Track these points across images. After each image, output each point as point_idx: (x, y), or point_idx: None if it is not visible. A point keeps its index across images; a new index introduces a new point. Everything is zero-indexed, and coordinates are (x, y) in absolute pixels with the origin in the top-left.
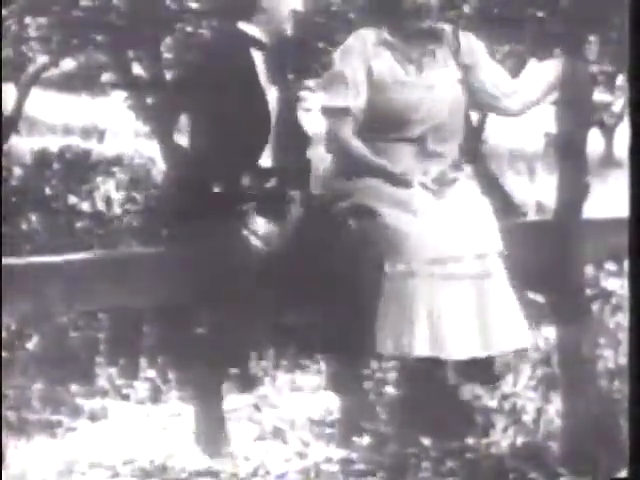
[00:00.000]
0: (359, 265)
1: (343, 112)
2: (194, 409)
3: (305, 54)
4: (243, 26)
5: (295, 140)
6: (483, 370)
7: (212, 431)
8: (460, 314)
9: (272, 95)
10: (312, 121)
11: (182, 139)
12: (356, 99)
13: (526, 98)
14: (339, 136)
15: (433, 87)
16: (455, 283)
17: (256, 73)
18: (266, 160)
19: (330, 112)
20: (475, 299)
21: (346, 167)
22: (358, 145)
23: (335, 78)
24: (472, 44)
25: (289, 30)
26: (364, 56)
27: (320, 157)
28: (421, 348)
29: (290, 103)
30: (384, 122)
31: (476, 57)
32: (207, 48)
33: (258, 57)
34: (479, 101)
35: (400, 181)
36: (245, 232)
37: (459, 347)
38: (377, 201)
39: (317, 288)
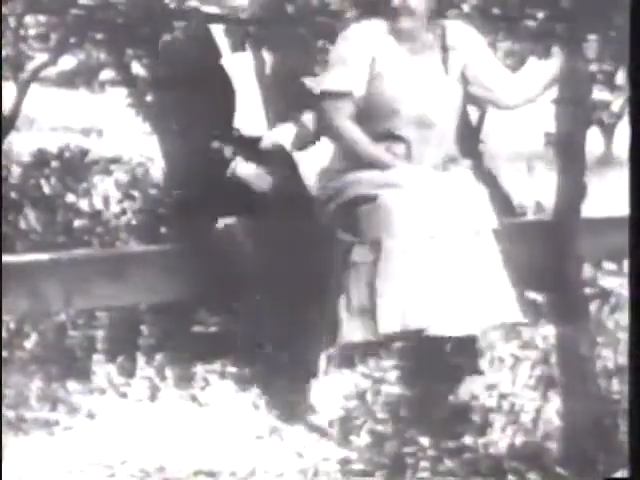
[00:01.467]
0: (352, 255)
1: (343, 97)
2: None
3: (304, 52)
4: (196, 3)
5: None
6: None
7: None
8: (454, 289)
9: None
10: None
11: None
12: (356, 85)
13: (522, 92)
14: (335, 121)
15: (429, 79)
16: (449, 258)
17: (216, 47)
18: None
19: (329, 96)
20: (468, 274)
21: (342, 157)
22: (354, 130)
23: (338, 61)
24: (467, 36)
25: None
26: (369, 45)
27: (319, 155)
28: (421, 322)
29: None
30: (379, 112)
31: (471, 49)
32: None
33: (218, 30)
34: (474, 94)
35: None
36: (242, 228)
37: (453, 323)
38: (370, 188)
39: (313, 286)
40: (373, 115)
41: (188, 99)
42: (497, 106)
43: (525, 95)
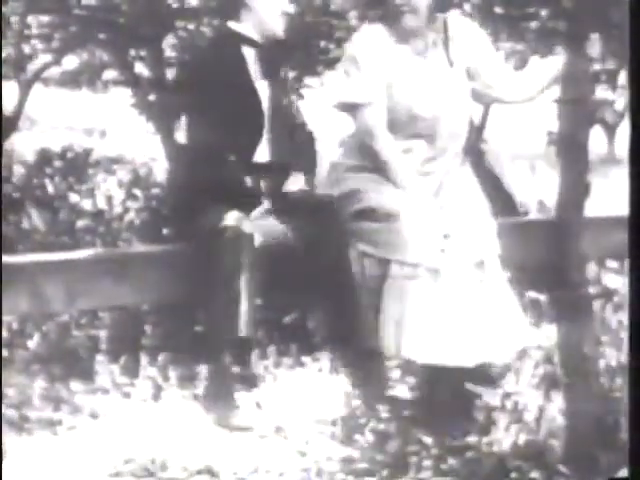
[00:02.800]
0: (362, 265)
1: (366, 107)
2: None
3: (306, 52)
4: (233, 25)
5: (295, 136)
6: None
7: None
8: (459, 319)
9: (265, 92)
10: (311, 119)
11: (182, 137)
12: (376, 95)
13: (523, 89)
14: (369, 126)
15: (438, 78)
16: (455, 288)
17: (247, 70)
18: (263, 156)
19: (348, 107)
20: (475, 305)
21: (353, 153)
22: (388, 137)
23: (353, 72)
24: (470, 31)
25: (279, 31)
26: (378, 52)
27: (323, 154)
28: (417, 352)
29: (285, 99)
30: (396, 121)
31: (473, 44)
32: (199, 47)
33: (250, 55)
34: (475, 89)
35: (399, 187)
36: (248, 230)
37: (456, 353)
38: (387, 203)
39: (319, 286)
40: (392, 124)
41: (211, 108)
42: (498, 101)
43: (526, 91)
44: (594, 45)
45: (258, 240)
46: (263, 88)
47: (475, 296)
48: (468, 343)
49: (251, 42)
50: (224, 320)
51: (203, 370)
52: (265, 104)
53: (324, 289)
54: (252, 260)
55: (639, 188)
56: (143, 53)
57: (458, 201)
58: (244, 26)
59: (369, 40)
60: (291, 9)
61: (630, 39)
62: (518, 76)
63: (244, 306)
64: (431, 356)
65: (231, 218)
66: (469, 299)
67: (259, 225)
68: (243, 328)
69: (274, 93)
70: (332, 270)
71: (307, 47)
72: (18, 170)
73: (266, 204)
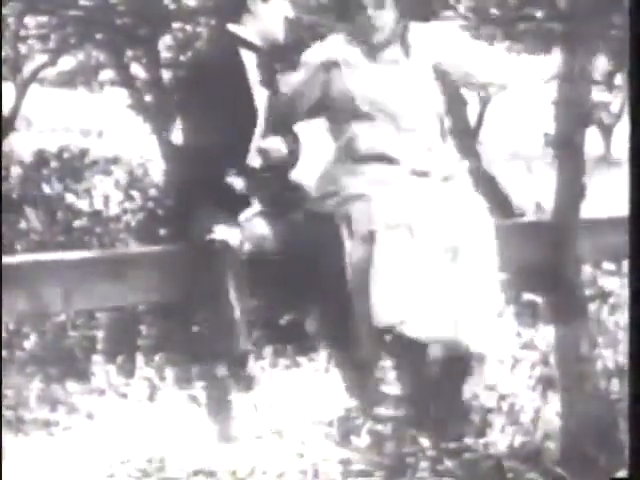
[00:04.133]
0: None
1: None
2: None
3: (297, 52)
4: (233, 27)
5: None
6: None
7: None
8: (442, 297)
9: (262, 95)
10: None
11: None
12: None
13: (513, 70)
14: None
15: (399, 80)
16: (439, 264)
17: (244, 73)
18: (256, 160)
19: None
20: (457, 284)
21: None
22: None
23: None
24: (433, 34)
25: (281, 36)
26: (321, 68)
27: (319, 157)
28: (407, 328)
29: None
30: (353, 113)
31: (440, 46)
32: (197, 48)
33: (248, 58)
34: (461, 79)
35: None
36: (239, 232)
37: (440, 329)
38: (368, 185)
39: (315, 286)
40: (349, 113)
41: (206, 109)
42: (491, 86)
43: (517, 73)
44: (590, 46)
45: (248, 244)
46: (260, 92)
47: (447, 278)
48: (447, 321)
49: (251, 46)
50: (221, 334)
51: (199, 371)
52: (261, 107)
53: (320, 288)
54: (242, 270)
55: (639, 188)
56: (139, 54)
57: (447, 187)
58: (245, 30)
59: (317, 55)
60: (292, 13)
61: (630, 39)
62: (507, 58)
63: (239, 319)
64: (415, 331)
65: (219, 231)
66: (442, 279)
67: (249, 227)
68: (241, 343)
69: (272, 97)
70: (327, 269)
71: (299, 47)
72: (15, 171)
73: (256, 206)
